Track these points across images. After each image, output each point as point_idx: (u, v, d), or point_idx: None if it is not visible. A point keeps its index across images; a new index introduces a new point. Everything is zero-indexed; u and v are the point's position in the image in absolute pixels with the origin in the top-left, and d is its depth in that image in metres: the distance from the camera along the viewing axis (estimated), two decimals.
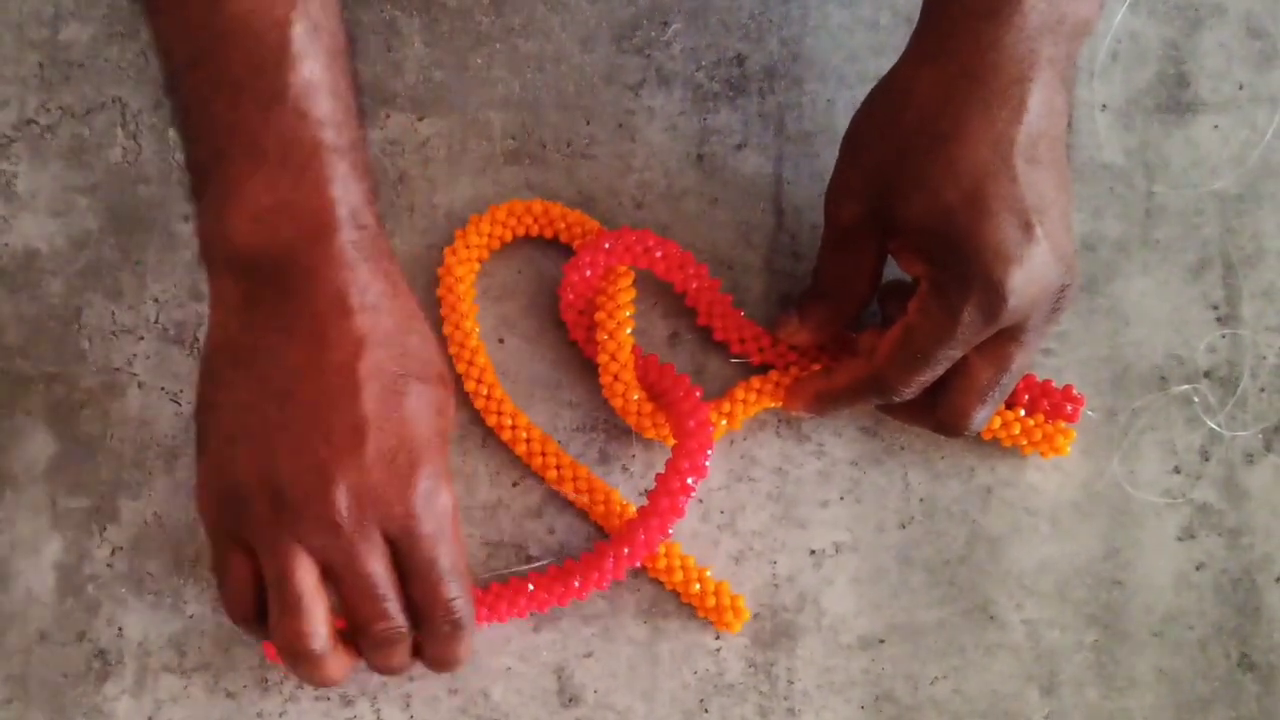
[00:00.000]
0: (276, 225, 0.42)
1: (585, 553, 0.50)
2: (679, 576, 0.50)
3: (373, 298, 0.42)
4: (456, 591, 0.43)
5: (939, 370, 0.46)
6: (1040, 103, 0.43)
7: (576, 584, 0.49)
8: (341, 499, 0.41)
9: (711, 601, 0.50)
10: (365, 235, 0.43)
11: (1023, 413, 0.51)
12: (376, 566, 0.42)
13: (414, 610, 0.44)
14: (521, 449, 0.51)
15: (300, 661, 0.43)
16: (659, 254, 0.51)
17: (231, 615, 0.44)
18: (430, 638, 0.44)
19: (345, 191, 0.42)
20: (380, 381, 0.42)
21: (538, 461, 0.51)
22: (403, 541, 0.43)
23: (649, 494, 0.48)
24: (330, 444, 0.41)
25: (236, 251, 0.42)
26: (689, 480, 0.48)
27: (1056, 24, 0.44)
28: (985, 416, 0.48)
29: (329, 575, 0.42)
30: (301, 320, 0.42)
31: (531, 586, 0.49)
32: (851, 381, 0.49)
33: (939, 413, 0.48)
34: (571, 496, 0.51)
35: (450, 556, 0.43)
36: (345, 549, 0.42)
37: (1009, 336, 0.45)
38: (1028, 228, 0.43)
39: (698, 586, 0.50)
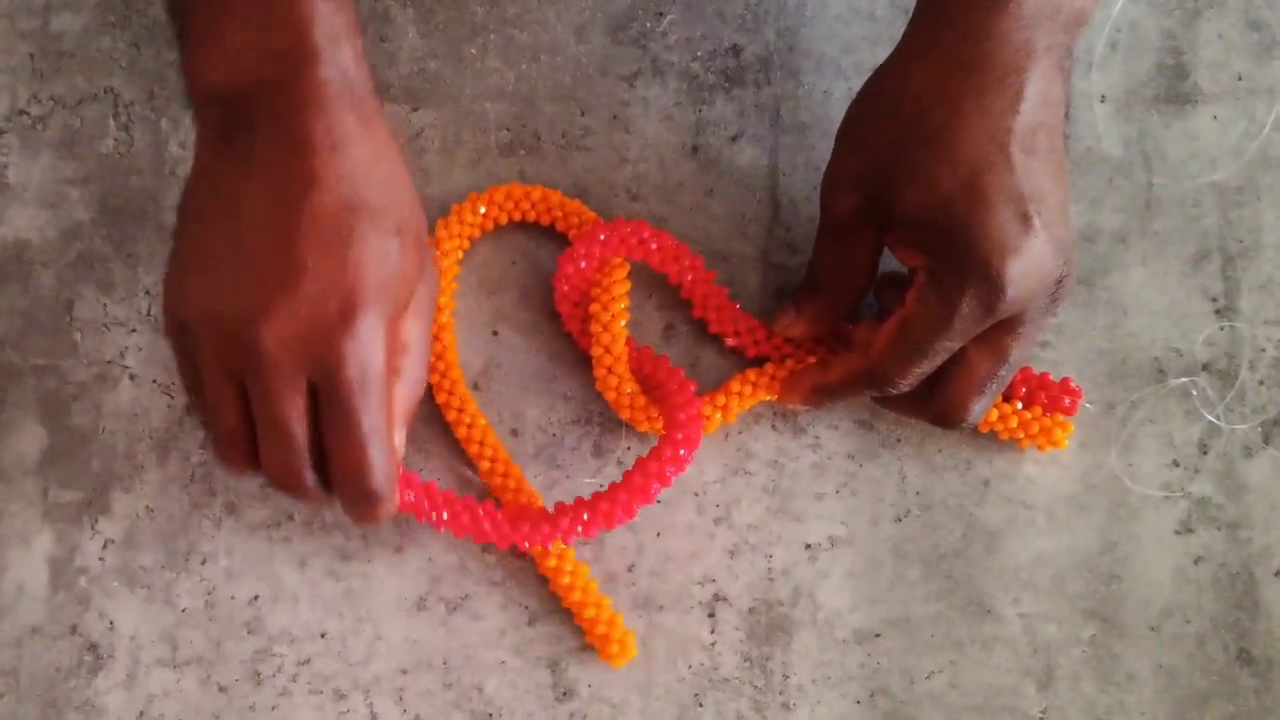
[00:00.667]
0: (248, 62, 0.42)
1: (544, 509, 0.49)
2: (577, 596, 0.49)
3: (338, 139, 0.42)
4: (373, 455, 0.42)
5: (936, 362, 0.46)
6: (1037, 93, 0.43)
7: (525, 529, 0.48)
8: (268, 335, 0.41)
9: (602, 630, 0.49)
10: (340, 73, 0.42)
11: (1020, 406, 0.50)
12: (289, 410, 0.42)
13: (329, 465, 0.43)
14: (462, 433, 0.51)
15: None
16: (654, 245, 0.50)
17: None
18: (342, 497, 0.44)
19: (319, 27, 0.42)
20: (327, 223, 0.41)
21: (474, 450, 0.51)
22: (325, 389, 0.42)
23: (625, 474, 0.48)
24: (267, 281, 0.41)
25: (210, 88, 0.42)
26: (668, 470, 0.48)
27: (1053, 13, 0.43)
28: (983, 409, 0.47)
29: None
30: (262, 157, 0.42)
31: (482, 512, 0.48)
32: (848, 374, 0.48)
33: (936, 405, 0.48)
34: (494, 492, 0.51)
35: (371, 415, 0.42)
36: (264, 386, 0.42)
37: (1007, 328, 0.45)
38: (1025, 218, 0.43)
39: (593, 612, 0.49)
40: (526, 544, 0.48)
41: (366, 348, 0.42)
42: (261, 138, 0.42)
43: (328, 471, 0.43)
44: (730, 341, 0.51)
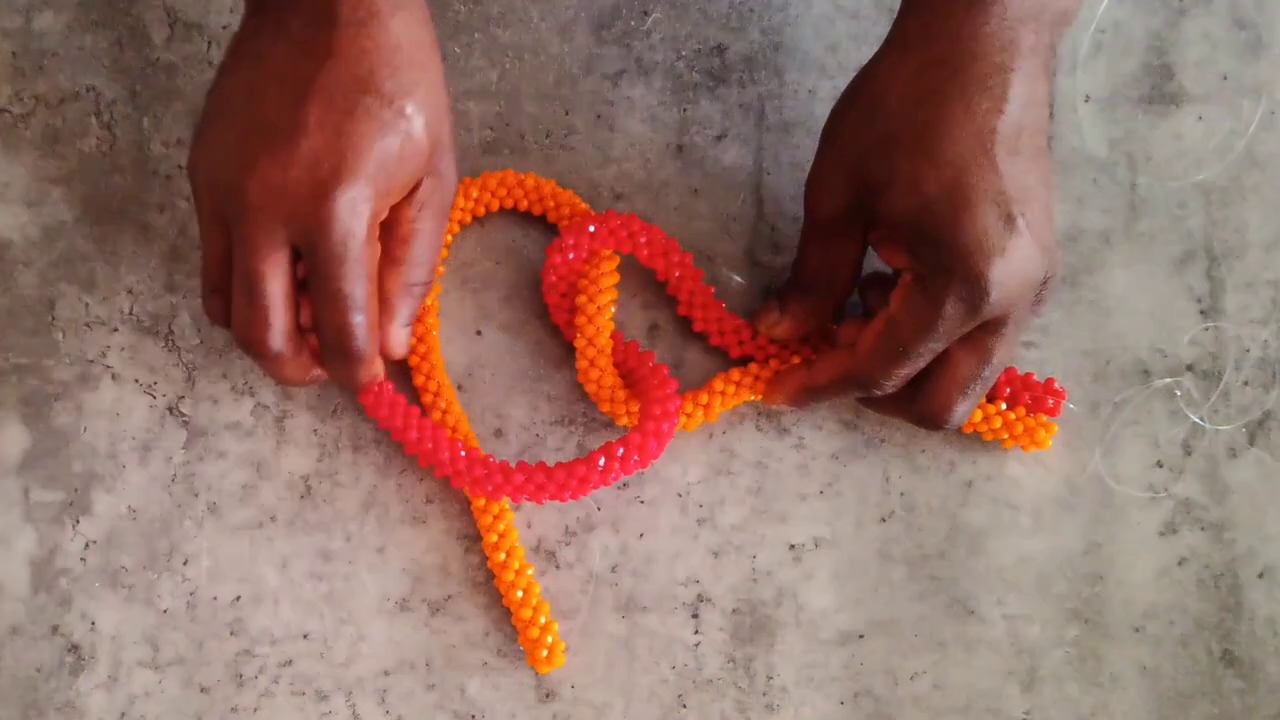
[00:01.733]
0: None
1: (505, 463, 0.48)
2: (518, 595, 0.49)
3: (366, 15, 0.43)
4: (353, 320, 0.44)
5: (921, 364, 0.46)
6: (1022, 93, 0.43)
7: (478, 473, 0.48)
8: (253, 188, 0.42)
9: (535, 633, 0.49)
10: None
11: (1004, 406, 0.50)
12: (261, 265, 0.43)
13: (317, 332, 0.45)
14: (437, 416, 0.50)
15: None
16: (643, 240, 0.50)
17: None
18: (323, 357, 0.46)
19: None
20: (334, 93, 0.43)
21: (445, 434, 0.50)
22: (307, 255, 0.43)
23: (590, 453, 0.48)
24: (265, 139, 0.43)
25: None
26: (632, 458, 0.48)
27: (1038, 13, 0.43)
28: (967, 410, 0.47)
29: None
30: (292, 24, 0.43)
31: (447, 451, 0.49)
32: (833, 375, 0.48)
33: (920, 406, 0.47)
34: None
35: (351, 283, 0.44)
36: (242, 239, 0.43)
37: (991, 329, 0.45)
38: (1009, 219, 0.42)
39: (529, 614, 0.49)
40: (471, 494, 0.49)
41: (349, 218, 0.43)
42: (294, 5, 0.43)
43: (317, 337, 0.45)
44: (714, 340, 0.51)
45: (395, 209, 0.46)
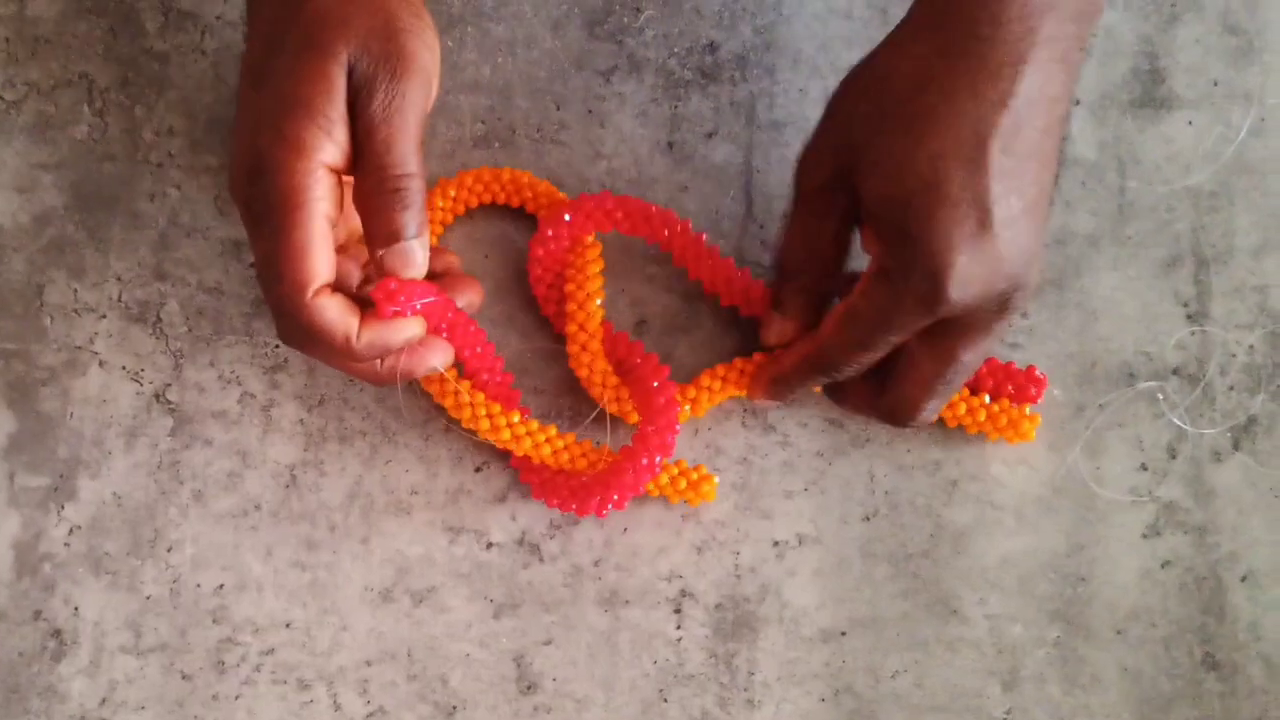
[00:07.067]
0: None
1: (546, 484, 0.49)
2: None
3: None
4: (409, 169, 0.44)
5: (879, 353, 0.45)
6: (1032, 88, 0.41)
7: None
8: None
9: (683, 484, 0.50)
10: None
11: (987, 398, 0.50)
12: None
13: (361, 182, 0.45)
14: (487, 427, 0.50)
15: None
16: (620, 214, 0.50)
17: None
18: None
19: None
20: (311, 32, 0.43)
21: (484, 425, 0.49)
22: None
23: (612, 464, 0.48)
24: (294, 119, 0.42)
25: None
26: (656, 458, 0.48)
27: (1061, 2, 0.41)
28: (934, 408, 0.47)
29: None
30: (268, 4, 0.44)
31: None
32: (796, 360, 0.48)
33: (885, 401, 0.47)
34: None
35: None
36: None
37: (955, 331, 0.44)
38: (982, 222, 0.41)
39: (666, 479, 0.50)
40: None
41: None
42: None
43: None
44: (725, 301, 0.51)
45: None
